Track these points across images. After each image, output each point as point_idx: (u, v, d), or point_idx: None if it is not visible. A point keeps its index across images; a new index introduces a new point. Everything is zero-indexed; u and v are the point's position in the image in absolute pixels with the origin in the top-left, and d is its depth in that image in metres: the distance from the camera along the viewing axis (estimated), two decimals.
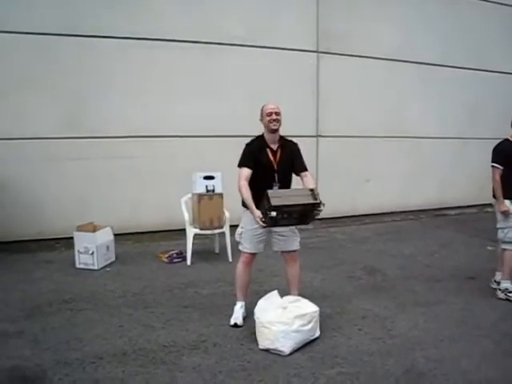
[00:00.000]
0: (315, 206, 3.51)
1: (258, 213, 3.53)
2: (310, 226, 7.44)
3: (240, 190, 3.73)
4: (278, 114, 3.81)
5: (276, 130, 3.84)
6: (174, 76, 7.06)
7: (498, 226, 4.73)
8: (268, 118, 3.79)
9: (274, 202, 3.38)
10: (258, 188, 3.80)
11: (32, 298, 4.48)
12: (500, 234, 4.72)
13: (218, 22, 7.25)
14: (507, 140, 4.73)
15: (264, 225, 3.54)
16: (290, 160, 3.92)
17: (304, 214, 3.55)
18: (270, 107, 3.82)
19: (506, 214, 4.62)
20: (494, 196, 4.74)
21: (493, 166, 4.72)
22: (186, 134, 7.20)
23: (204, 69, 7.24)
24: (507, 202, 4.63)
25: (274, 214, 3.39)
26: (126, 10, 6.75)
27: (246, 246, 3.93)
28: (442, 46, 9.11)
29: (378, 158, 8.75)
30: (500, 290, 4.69)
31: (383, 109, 8.72)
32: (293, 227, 3.95)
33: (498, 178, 4.68)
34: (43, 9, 6.34)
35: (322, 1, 8.04)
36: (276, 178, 3.81)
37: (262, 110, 3.87)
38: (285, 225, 3.67)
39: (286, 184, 3.88)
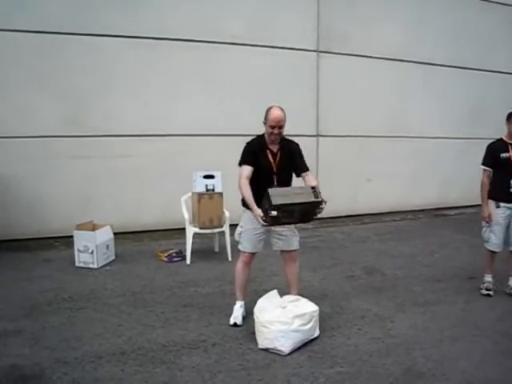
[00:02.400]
0: (317, 204, 3.49)
1: (259, 212, 3.50)
2: (309, 226, 7.50)
3: (240, 189, 3.71)
4: (281, 127, 3.77)
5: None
6: (175, 75, 7.06)
7: (482, 224, 4.81)
8: (270, 130, 3.75)
9: (275, 200, 3.35)
10: (257, 189, 3.79)
11: (31, 297, 4.48)
12: (481, 232, 4.83)
13: (218, 21, 7.25)
14: (501, 139, 4.73)
15: (265, 224, 3.52)
16: (290, 161, 3.90)
17: (305, 212, 3.52)
18: (275, 118, 3.71)
19: (485, 219, 4.67)
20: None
21: (482, 169, 4.77)
22: (186, 132, 7.19)
23: (204, 68, 7.24)
24: (493, 203, 4.66)
25: (274, 213, 3.36)
26: (126, 10, 6.75)
27: (246, 246, 3.93)
28: (444, 46, 9.11)
29: (379, 158, 8.75)
30: (483, 283, 4.78)
31: (384, 109, 8.72)
32: (292, 226, 3.95)
33: (485, 179, 4.72)
34: (45, 8, 6.33)
35: (322, 0, 8.03)
36: (275, 180, 3.79)
37: (267, 113, 3.77)
38: (286, 223, 3.63)
39: (285, 186, 3.83)
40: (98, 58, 6.69)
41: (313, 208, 3.52)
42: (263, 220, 3.49)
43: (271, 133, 3.76)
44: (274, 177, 3.80)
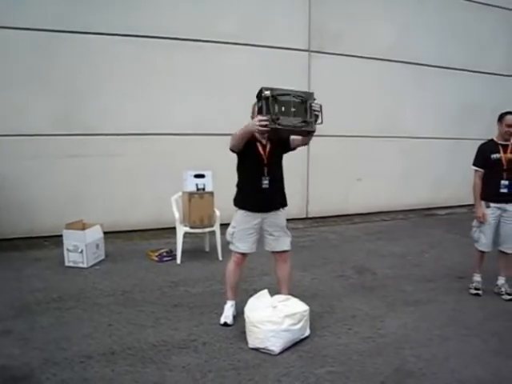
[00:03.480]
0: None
1: (258, 117, 3.29)
2: (300, 225, 7.51)
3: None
4: None
5: None
6: (169, 74, 7.04)
7: (472, 224, 4.83)
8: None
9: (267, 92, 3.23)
10: (248, 183, 3.78)
11: (20, 297, 4.44)
12: (471, 232, 4.84)
13: (211, 20, 7.23)
14: (492, 140, 4.75)
15: (265, 122, 3.24)
16: (281, 147, 3.85)
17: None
18: None
19: (479, 219, 4.68)
20: None
21: (474, 169, 4.78)
22: (179, 131, 7.17)
23: (198, 67, 7.22)
24: (483, 203, 4.67)
25: (267, 93, 3.22)
26: (121, 8, 6.71)
27: (239, 246, 3.88)
28: (437, 46, 9.16)
29: (370, 158, 8.77)
30: (472, 283, 4.81)
31: (376, 109, 8.74)
32: (284, 225, 3.94)
33: (477, 180, 4.73)
34: (43, 6, 6.28)
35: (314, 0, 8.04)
36: (266, 171, 3.77)
37: (253, 109, 3.69)
38: (286, 126, 3.33)
39: (276, 178, 3.83)
40: (95, 56, 6.65)
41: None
42: (262, 122, 3.25)
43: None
44: (265, 168, 3.77)
